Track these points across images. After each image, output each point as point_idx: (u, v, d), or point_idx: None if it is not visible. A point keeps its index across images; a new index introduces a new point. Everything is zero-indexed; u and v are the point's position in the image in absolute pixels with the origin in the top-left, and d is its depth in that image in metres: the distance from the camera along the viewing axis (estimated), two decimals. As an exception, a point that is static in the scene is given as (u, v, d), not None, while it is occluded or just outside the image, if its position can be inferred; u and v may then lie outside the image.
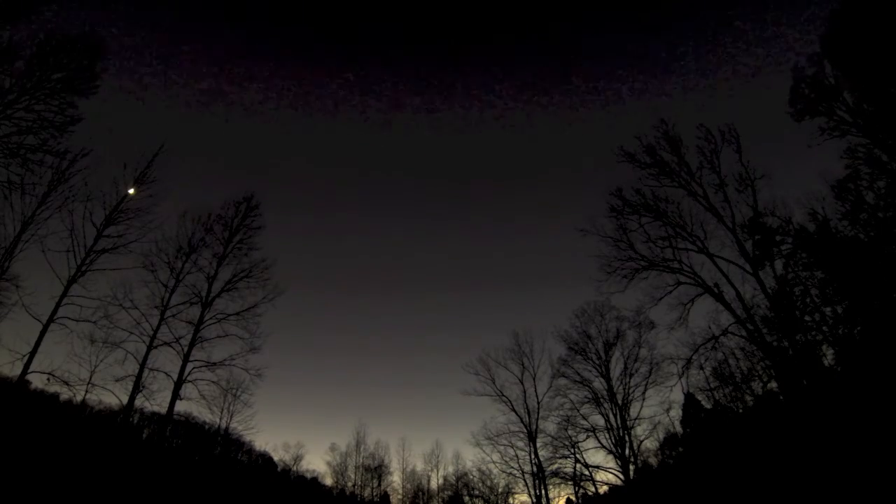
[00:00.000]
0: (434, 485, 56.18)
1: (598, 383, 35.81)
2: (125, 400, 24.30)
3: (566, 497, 44.76)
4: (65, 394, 26.31)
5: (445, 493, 55.34)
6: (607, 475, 36.54)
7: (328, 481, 57.04)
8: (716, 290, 24.65)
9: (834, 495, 17.17)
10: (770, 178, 25.25)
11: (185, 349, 26.36)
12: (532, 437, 38.70)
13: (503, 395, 40.25)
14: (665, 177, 27.16)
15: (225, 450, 48.78)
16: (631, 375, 34.96)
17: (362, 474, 56.38)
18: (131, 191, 25.53)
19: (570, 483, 36.25)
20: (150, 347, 25.10)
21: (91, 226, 23.98)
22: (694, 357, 25.85)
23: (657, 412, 35.47)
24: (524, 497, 61.87)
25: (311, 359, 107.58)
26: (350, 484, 55.61)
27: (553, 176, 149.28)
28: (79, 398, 25.67)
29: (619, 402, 34.47)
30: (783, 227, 24.55)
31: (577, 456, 35.20)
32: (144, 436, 45.25)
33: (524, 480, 39.82)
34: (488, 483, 47.33)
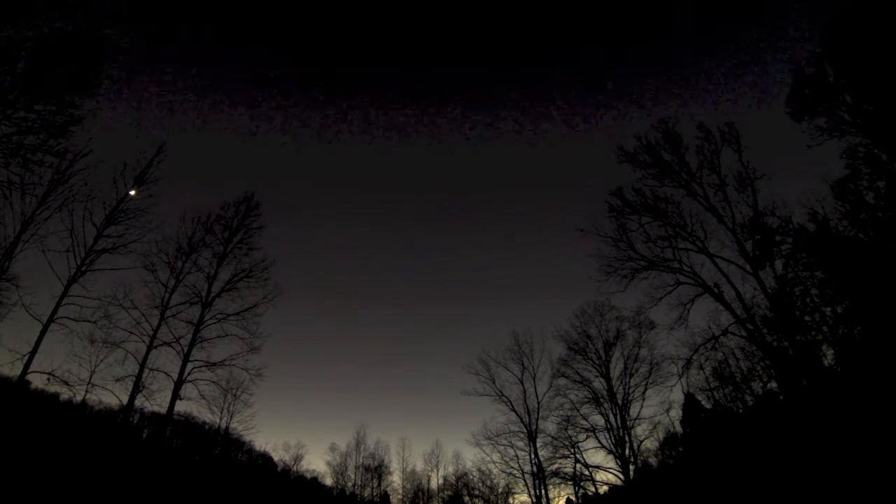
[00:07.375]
0: (434, 485, 56.31)
1: (598, 383, 35.87)
2: (125, 400, 24.34)
3: (566, 497, 44.86)
4: (65, 394, 26.32)
5: (445, 493, 55.41)
6: (607, 475, 36.68)
7: (328, 481, 57.19)
8: (716, 290, 24.66)
9: (834, 495, 17.17)
10: (770, 178, 25.33)
11: (185, 349, 26.39)
12: (532, 437, 38.71)
13: (503, 395, 40.34)
14: (665, 177, 27.21)
15: (225, 450, 48.78)
16: (631, 375, 34.98)
17: (362, 474, 56.48)
18: (132, 192, 25.57)
19: (570, 483, 36.28)
20: (150, 347, 25.10)
21: (91, 226, 23.99)
22: (694, 357, 25.87)
23: (657, 412, 35.51)
24: (524, 497, 62.14)
25: (311, 359, 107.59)
26: (350, 484, 55.73)
27: (553, 179, 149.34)
28: (79, 398, 25.78)
29: (619, 402, 34.47)
30: (783, 227, 24.55)
31: (577, 456, 35.23)
32: (144, 436, 45.23)
33: (524, 480, 39.90)
34: (488, 483, 47.48)
